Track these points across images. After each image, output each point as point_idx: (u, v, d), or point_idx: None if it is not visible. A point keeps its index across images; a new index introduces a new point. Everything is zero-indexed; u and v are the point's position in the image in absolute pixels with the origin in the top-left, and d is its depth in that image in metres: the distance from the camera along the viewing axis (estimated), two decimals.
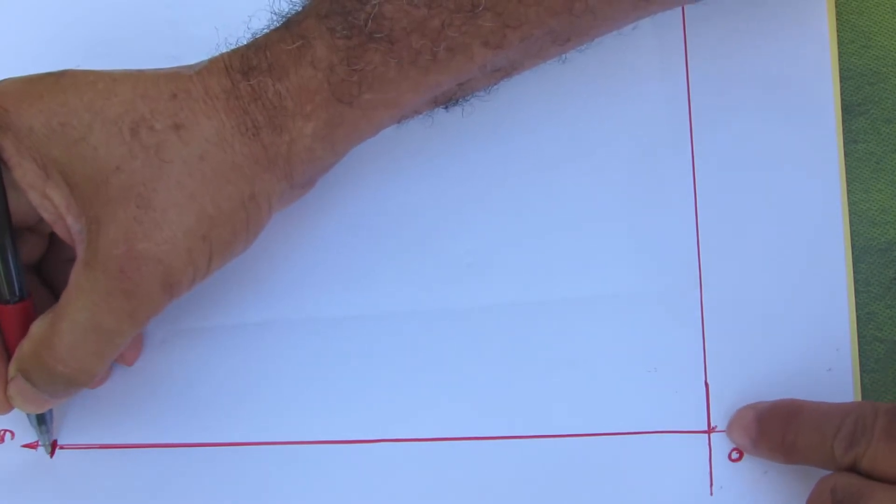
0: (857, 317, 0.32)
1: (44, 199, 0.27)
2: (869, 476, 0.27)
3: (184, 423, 0.33)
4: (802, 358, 0.32)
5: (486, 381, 0.33)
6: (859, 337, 0.32)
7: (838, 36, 0.33)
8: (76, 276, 0.27)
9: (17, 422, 0.33)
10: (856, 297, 0.33)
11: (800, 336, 0.32)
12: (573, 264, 0.33)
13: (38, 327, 0.28)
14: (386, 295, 0.34)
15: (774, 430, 0.30)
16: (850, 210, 0.33)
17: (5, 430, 0.34)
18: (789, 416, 0.30)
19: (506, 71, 0.29)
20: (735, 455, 0.32)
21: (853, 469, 0.27)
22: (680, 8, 0.33)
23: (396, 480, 0.32)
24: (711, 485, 0.32)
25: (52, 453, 0.33)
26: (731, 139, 0.33)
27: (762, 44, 0.33)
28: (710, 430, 0.32)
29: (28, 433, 0.33)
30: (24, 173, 0.27)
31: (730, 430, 0.32)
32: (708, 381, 0.32)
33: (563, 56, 0.30)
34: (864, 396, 0.32)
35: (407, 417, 0.33)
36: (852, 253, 0.33)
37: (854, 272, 0.33)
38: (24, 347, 0.28)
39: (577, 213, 0.33)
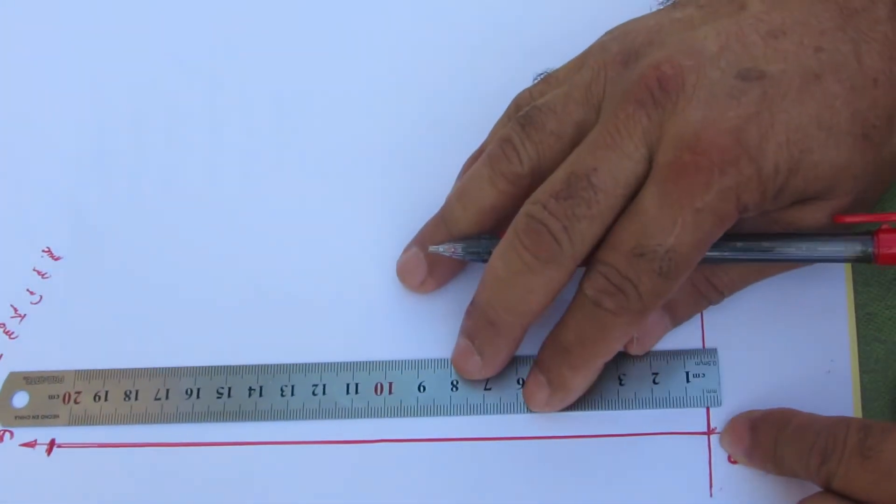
0: (857, 317, 0.32)
1: None
2: (844, 496, 0.26)
3: (183, 423, 0.33)
4: (802, 358, 0.32)
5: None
6: (859, 337, 0.32)
7: None
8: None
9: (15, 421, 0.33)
10: (856, 297, 0.33)
11: (799, 336, 0.32)
12: None
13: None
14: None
15: (766, 442, 0.30)
16: None
17: (4, 430, 0.33)
18: (779, 427, 0.29)
19: None
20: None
21: (828, 486, 0.27)
22: None
23: (396, 480, 0.32)
24: (711, 486, 0.31)
25: (49, 452, 0.33)
26: None
27: None
28: (709, 431, 0.32)
29: (26, 432, 0.33)
30: None
31: (723, 440, 0.31)
32: None
33: None
34: (864, 396, 0.32)
35: (407, 417, 0.33)
36: None
37: (854, 272, 0.33)
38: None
39: None
